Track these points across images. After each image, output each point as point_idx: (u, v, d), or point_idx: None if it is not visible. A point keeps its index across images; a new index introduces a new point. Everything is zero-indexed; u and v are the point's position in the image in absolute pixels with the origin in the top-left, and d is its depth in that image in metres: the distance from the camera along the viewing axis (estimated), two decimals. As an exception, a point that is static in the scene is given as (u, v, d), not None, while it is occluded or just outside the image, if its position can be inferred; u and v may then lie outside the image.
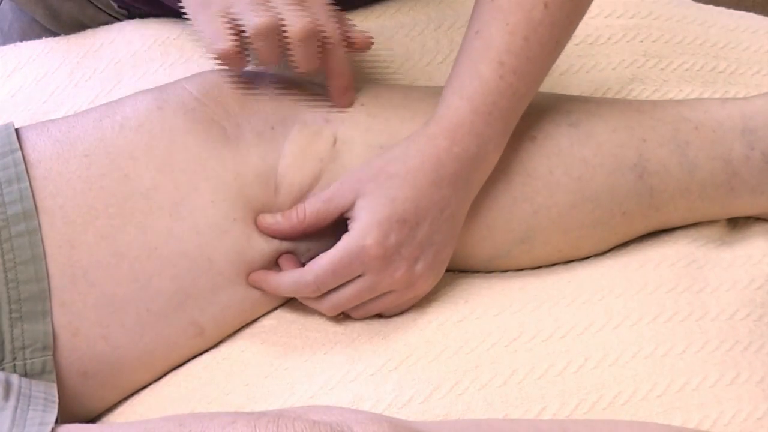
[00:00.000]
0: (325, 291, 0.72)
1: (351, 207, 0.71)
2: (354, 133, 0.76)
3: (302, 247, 0.75)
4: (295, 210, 0.73)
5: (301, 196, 0.74)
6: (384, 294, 0.73)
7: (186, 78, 0.77)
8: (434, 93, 0.81)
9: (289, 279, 0.72)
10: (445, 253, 0.74)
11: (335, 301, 0.72)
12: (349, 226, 0.71)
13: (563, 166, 0.77)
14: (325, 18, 0.71)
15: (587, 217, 0.79)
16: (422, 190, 0.71)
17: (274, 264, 0.75)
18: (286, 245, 0.74)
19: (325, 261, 0.70)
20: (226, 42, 0.70)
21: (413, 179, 0.71)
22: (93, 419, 0.73)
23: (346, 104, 0.76)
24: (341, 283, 0.71)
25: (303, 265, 0.73)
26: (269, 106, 0.75)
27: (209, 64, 0.78)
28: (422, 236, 0.71)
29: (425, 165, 0.71)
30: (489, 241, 0.78)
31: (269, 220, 0.73)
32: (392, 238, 0.70)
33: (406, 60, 0.90)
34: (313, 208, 0.72)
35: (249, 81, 0.76)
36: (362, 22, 0.91)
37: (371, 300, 0.73)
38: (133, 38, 0.92)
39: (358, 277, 0.71)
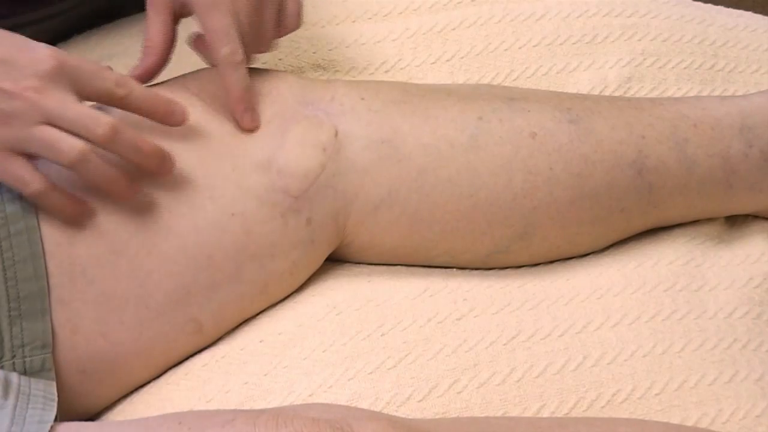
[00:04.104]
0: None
1: None
2: (355, 127, 0.76)
3: (303, 215, 0.75)
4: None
5: (307, 182, 0.74)
6: None
7: (183, 75, 0.77)
8: (433, 89, 0.81)
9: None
10: None
11: None
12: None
13: (563, 163, 0.78)
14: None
15: (586, 213, 0.79)
16: None
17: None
18: (284, 237, 0.74)
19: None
20: (36, 182, 0.66)
21: None
22: (92, 417, 0.73)
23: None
24: None
25: None
26: (267, 100, 0.76)
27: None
28: None
29: None
30: (488, 237, 0.78)
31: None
32: None
33: (398, 60, 0.91)
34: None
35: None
36: (354, 23, 0.91)
37: None
38: (123, 38, 0.92)
39: None
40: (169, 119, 0.71)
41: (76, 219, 0.69)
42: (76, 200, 0.68)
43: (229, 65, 0.73)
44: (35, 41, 0.66)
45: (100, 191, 0.68)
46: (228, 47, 0.72)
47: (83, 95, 0.66)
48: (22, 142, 0.65)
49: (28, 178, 0.66)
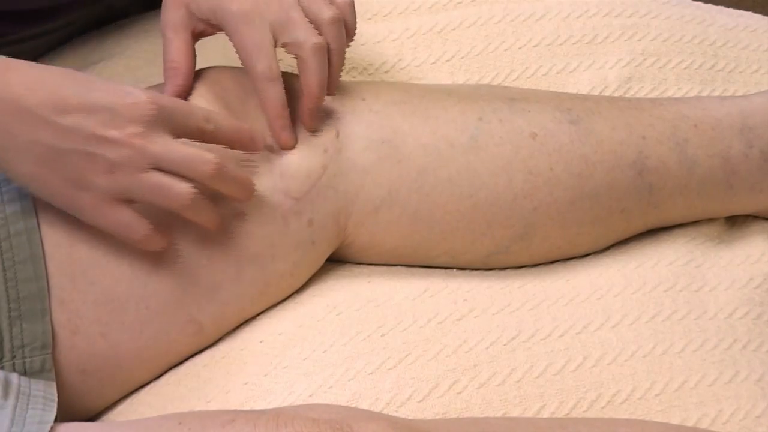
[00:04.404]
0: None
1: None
2: (356, 127, 0.76)
3: (304, 216, 0.75)
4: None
5: (309, 183, 0.74)
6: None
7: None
8: (434, 90, 0.81)
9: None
10: None
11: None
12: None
13: (563, 163, 0.78)
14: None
15: (586, 214, 0.79)
16: None
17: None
18: (285, 238, 0.74)
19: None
20: (143, 228, 0.67)
21: None
22: (92, 418, 0.73)
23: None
24: None
25: None
26: None
27: (209, 61, 0.78)
28: None
29: None
30: (488, 237, 0.78)
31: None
32: None
33: (398, 60, 0.91)
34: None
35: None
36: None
37: None
38: (122, 39, 0.92)
39: None
40: (252, 147, 0.71)
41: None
42: (167, 237, 0.69)
43: (265, 81, 0.71)
44: (128, 85, 0.66)
45: (194, 224, 0.69)
46: (263, 62, 0.71)
47: (178, 134, 0.67)
48: (129, 190, 0.65)
49: (135, 225, 0.67)
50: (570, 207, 0.78)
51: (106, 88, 0.65)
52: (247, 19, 0.70)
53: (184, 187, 0.66)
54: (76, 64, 0.91)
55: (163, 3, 0.74)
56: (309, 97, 0.73)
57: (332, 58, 0.73)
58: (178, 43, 0.73)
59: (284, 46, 0.72)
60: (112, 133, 0.64)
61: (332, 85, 0.74)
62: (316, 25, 0.72)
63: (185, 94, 0.74)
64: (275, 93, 0.72)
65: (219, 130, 0.69)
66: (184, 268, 0.71)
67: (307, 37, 0.71)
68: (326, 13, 0.72)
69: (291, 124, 0.73)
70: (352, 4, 0.75)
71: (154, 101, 0.65)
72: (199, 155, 0.66)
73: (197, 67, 0.77)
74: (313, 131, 0.74)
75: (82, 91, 0.64)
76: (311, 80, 0.72)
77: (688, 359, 0.75)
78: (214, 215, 0.69)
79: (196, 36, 0.74)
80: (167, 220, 0.69)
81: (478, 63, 0.91)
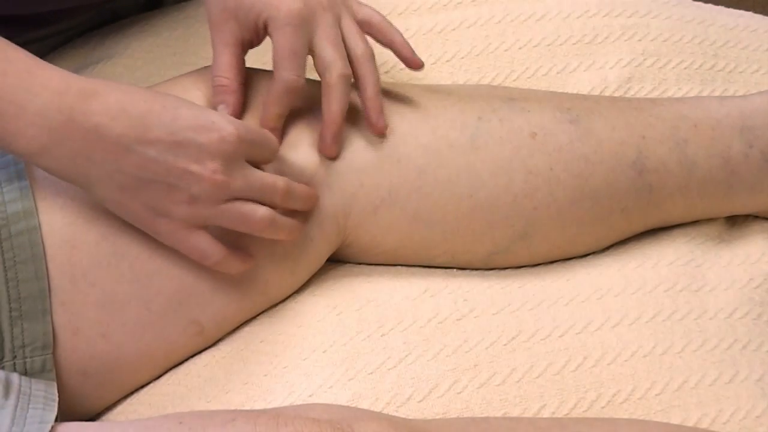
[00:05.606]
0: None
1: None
2: (354, 128, 0.76)
3: (300, 214, 0.74)
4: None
5: (302, 180, 0.73)
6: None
7: (185, 75, 0.77)
8: (433, 90, 0.81)
9: None
10: None
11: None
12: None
13: (563, 163, 0.78)
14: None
15: (586, 213, 0.79)
16: None
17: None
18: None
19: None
20: (217, 253, 0.69)
21: None
22: (93, 418, 0.73)
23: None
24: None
25: None
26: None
27: (207, 60, 0.78)
28: None
29: None
30: (488, 237, 0.78)
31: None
32: None
33: (398, 61, 0.90)
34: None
35: (250, 77, 0.76)
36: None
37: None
38: (123, 38, 0.92)
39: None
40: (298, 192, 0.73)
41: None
42: (245, 257, 0.71)
43: (281, 89, 0.72)
44: (212, 111, 0.68)
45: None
46: (290, 72, 0.71)
47: (250, 161, 0.68)
48: (208, 219, 0.67)
49: (210, 251, 0.68)
50: (570, 207, 0.78)
51: (191, 117, 0.66)
52: (295, 20, 0.70)
53: (263, 213, 0.68)
54: (77, 64, 0.91)
55: (209, 16, 0.73)
56: (328, 125, 0.73)
57: (367, 90, 0.74)
58: (228, 57, 0.73)
59: (314, 58, 0.73)
60: (195, 168, 0.65)
61: (378, 119, 0.75)
62: (349, 57, 0.74)
63: (239, 112, 0.74)
64: (281, 102, 0.72)
65: (280, 164, 0.72)
66: (185, 270, 0.71)
67: (335, 60, 0.72)
68: (360, 49, 0.74)
69: (281, 129, 0.74)
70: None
71: (238, 135, 0.66)
72: (274, 184, 0.69)
73: (196, 67, 0.77)
74: (334, 157, 0.75)
75: (166, 121, 0.65)
76: (333, 107, 0.73)
77: (688, 359, 0.75)
78: (294, 227, 0.71)
79: (246, 47, 0.74)
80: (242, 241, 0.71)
81: (478, 63, 0.91)
